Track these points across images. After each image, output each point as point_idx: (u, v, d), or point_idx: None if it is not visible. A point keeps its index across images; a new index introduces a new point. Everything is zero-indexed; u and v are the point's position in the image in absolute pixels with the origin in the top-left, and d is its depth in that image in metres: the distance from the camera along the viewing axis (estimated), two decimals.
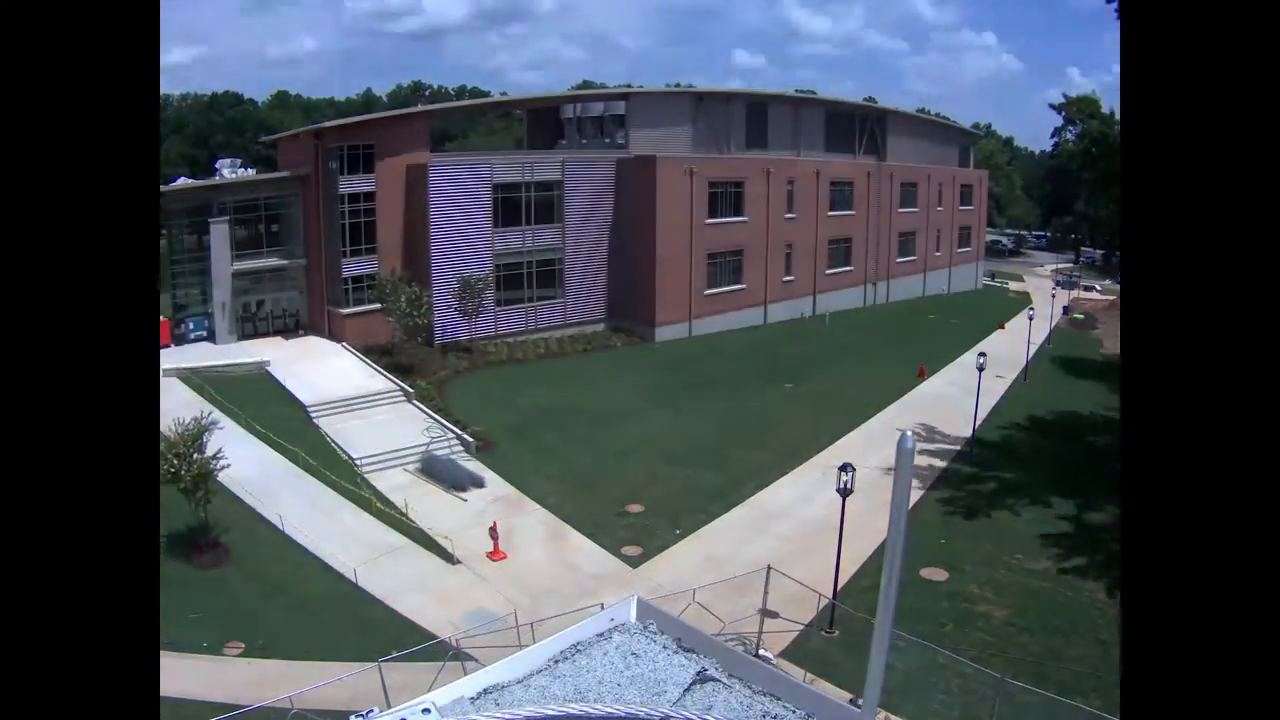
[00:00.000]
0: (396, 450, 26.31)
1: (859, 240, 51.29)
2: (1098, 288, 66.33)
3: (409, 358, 34.09)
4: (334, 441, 26.90)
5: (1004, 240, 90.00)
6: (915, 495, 23.60)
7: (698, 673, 4.76)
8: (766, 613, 17.36)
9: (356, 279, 37.17)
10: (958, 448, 28.18)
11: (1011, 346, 39.77)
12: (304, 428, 27.80)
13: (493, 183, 37.85)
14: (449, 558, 20.48)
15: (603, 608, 5.64)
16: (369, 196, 36.94)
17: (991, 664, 15.25)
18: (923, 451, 27.13)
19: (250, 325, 37.43)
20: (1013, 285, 66.74)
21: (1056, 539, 21.52)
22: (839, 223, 49.82)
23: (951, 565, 20.06)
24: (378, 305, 35.19)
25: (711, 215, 42.53)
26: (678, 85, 61.28)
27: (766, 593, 17.22)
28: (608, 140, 45.18)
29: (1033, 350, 39.41)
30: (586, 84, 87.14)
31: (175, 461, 18.92)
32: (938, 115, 66.94)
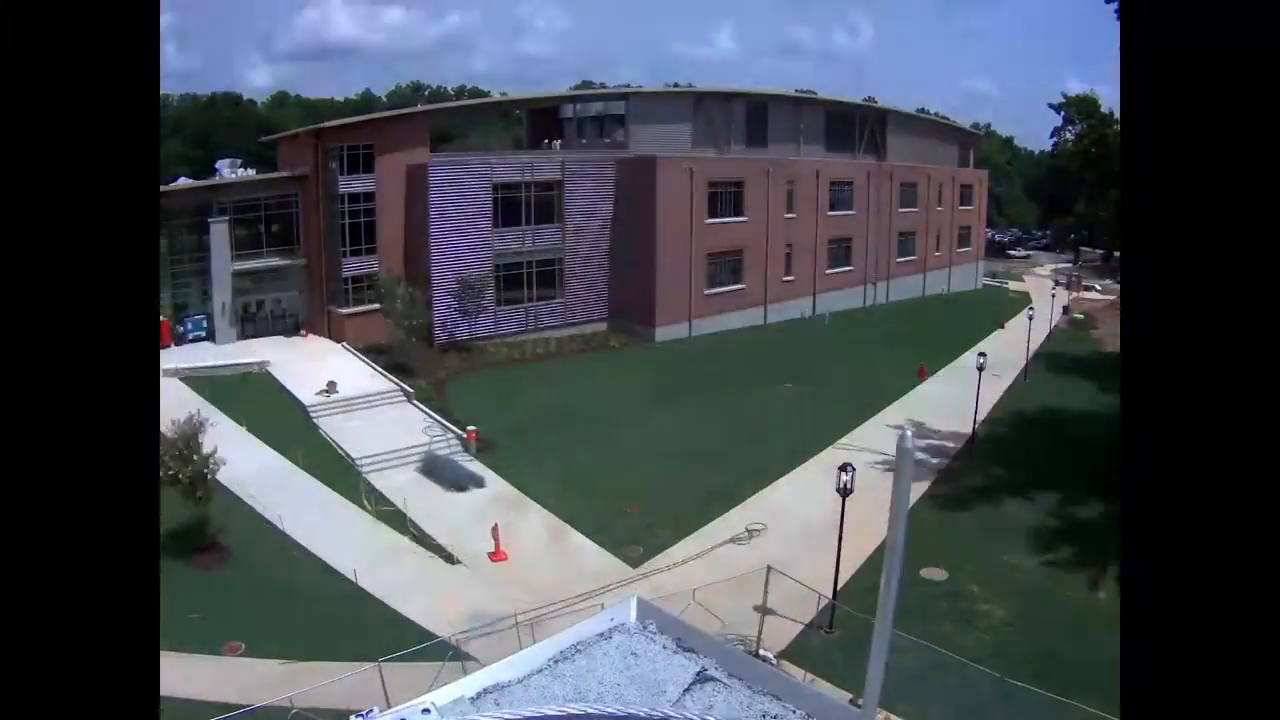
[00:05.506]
0: (397, 450, 26.29)
1: (859, 240, 51.26)
2: (1097, 287, 66.22)
3: (409, 358, 34.10)
4: (334, 441, 26.90)
5: (1004, 239, 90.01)
6: (914, 495, 23.61)
7: (698, 673, 4.76)
8: (766, 612, 17.36)
9: (356, 279, 37.14)
10: (957, 447, 28.22)
11: (1011, 346, 39.72)
12: (304, 428, 27.80)
13: (493, 183, 37.84)
14: (449, 558, 20.48)
15: (603, 608, 5.63)
16: (369, 196, 36.92)
17: (992, 664, 15.22)
18: (922, 451, 27.13)
19: (250, 325, 37.41)
20: (1012, 285, 66.68)
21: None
22: (839, 223, 49.77)
23: (951, 564, 20.06)
24: (378, 305, 35.17)
25: (711, 215, 42.47)
26: (677, 85, 61.23)
27: (766, 592, 17.21)
28: (608, 140, 45.15)
29: (1032, 350, 39.39)
30: (586, 84, 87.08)
31: (172, 463, 18.90)
32: (938, 115, 66.89)
